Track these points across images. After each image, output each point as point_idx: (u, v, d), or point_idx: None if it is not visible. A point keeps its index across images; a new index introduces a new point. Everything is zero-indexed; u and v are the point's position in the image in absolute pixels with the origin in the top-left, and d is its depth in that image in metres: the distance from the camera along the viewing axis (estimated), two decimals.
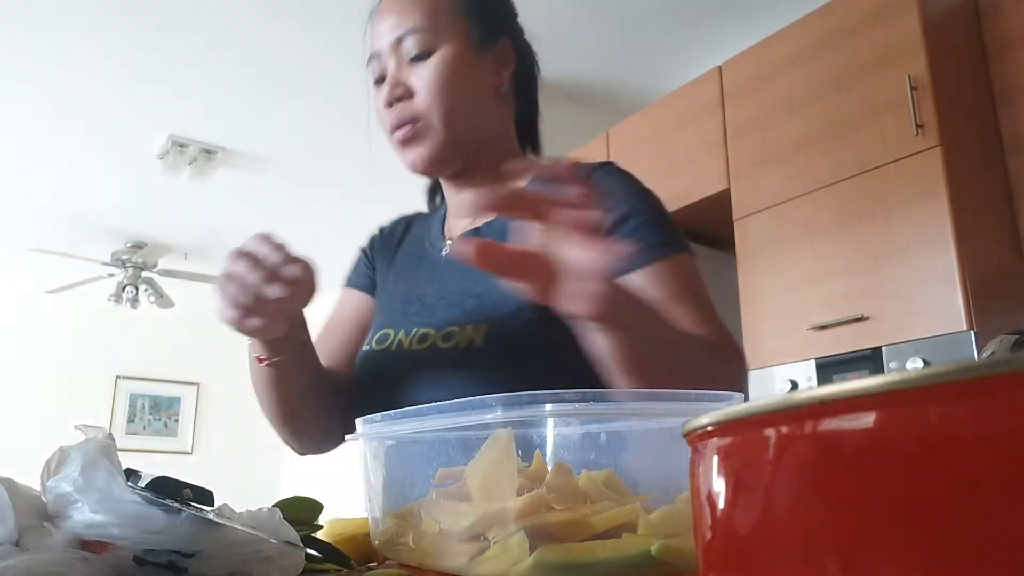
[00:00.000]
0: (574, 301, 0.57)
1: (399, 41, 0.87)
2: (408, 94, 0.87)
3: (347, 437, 0.71)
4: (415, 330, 0.90)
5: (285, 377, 0.86)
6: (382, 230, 1.08)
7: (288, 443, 0.97)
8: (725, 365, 0.79)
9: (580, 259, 0.55)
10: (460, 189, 0.95)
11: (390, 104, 0.87)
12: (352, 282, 1.06)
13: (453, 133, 0.87)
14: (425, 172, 0.91)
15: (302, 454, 0.99)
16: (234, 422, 6.38)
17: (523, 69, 0.97)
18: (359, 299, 1.03)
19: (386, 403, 0.69)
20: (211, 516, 0.46)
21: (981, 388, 0.19)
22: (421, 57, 0.86)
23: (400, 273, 0.99)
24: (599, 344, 0.64)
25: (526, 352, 0.82)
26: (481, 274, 0.66)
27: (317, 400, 0.92)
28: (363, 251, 1.08)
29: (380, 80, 0.90)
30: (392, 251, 1.04)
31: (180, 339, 6.31)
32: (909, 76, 2.04)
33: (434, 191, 1.07)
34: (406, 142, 0.88)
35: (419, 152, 0.88)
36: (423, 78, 0.86)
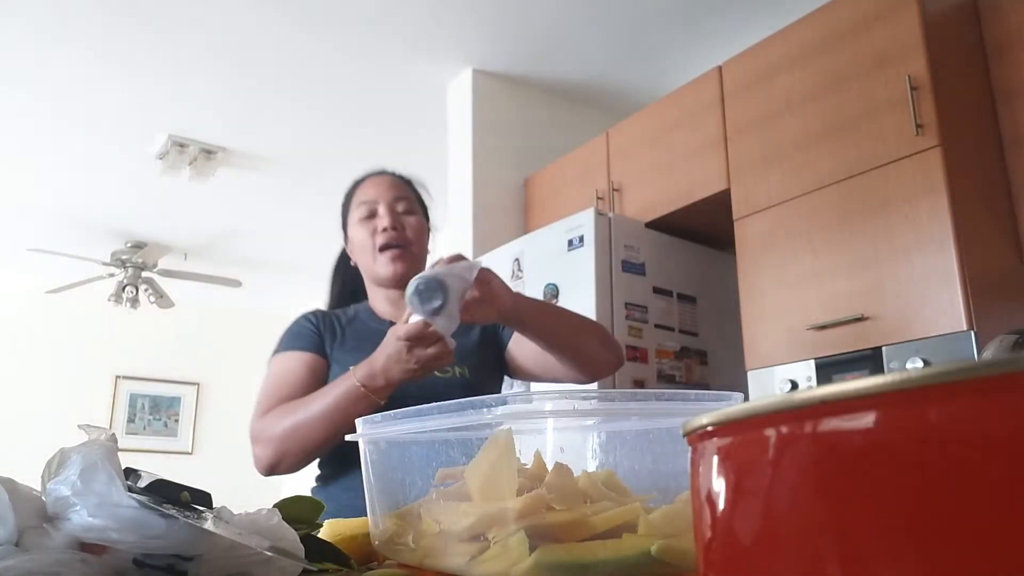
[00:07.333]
0: (494, 302, 1.15)
1: (396, 200, 1.41)
2: (404, 229, 1.39)
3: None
4: None
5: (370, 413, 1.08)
6: (316, 315, 1.43)
7: (305, 462, 1.26)
8: (587, 318, 1.38)
9: (485, 278, 1.14)
10: (398, 289, 1.38)
11: (394, 229, 1.37)
12: (307, 347, 1.36)
13: (420, 259, 1.42)
14: (400, 279, 1.34)
15: (295, 471, 1.27)
16: (234, 422, 6.38)
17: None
18: (315, 360, 1.34)
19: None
20: (206, 525, 0.46)
21: (981, 388, 0.19)
22: (408, 213, 1.41)
23: (360, 346, 1.31)
24: (526, 329, 1.23)
25: (490, 378, 1.41)
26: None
27: None
28: (312, 325, 1.40)
29: (371, 215, 1.39)
30: (339, 332, 1.39)
31: (180, 339, 6.32)
32: (909, 76, 2.04)
33: (346, 300, 1.53)
34: (395, 258, 1.36)
35: (402, 266, 1.36)
36: (412, 226, 1.40)
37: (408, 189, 1.47)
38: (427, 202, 1.51)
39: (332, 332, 1.39)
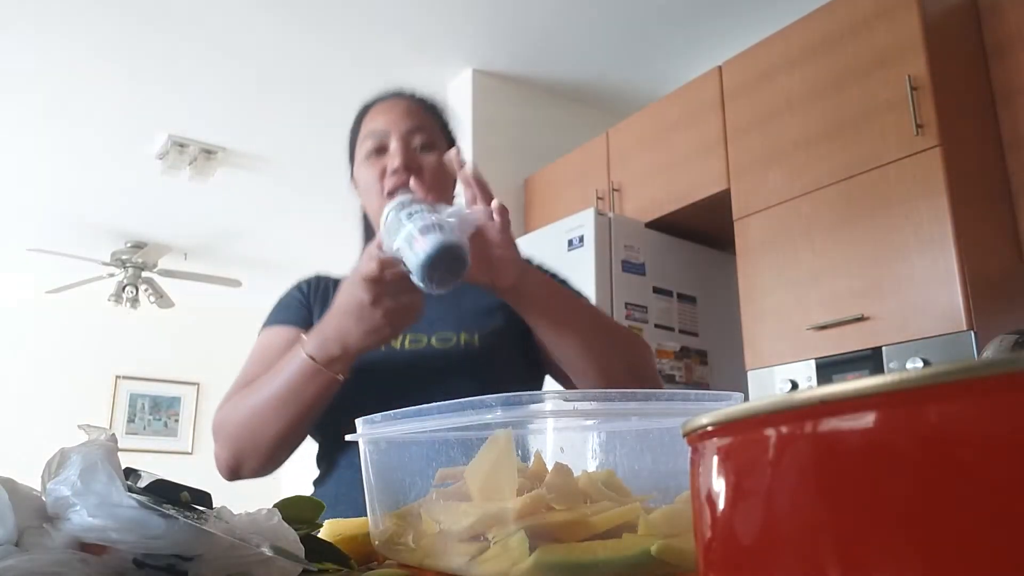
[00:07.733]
0: (500, 270, 0.89)
1: (411, 132, 1.09)
2: (419, 170, 1.07)
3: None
4: (405, 335, 1.08)
5: (330, 393, 0.96)
6: (309, 283, 1.20)
7: (270, 461, 1.02)
8: (629, 331, 1.11)
9: (497, 239, 0.87)
10: None
11: (407, 170, 1.05)
12: (291, 320, 1.13)
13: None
14: None
15: (263, 473, 1.04)
16: None
17: None
18: (298, 336, 1.04)
19: (381, 394, 0.90)
20: (206, 525, 0.46)
21: (981, 388, 0.19)
22: (426, 149, 1.09)
23: None
24: (528, 317, 0.96)
25: (507, 351, 1.09)
26: (447, 303, 1.03)
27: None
28: (301, 294, 1.18)
29: (380, 150, 1.09)
30: (330, 301, 1.11)
31: (180, 339, 6.31)
32: (909, 76, 2.04)
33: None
34: None
35: None
36: (430, 166, 1.08)
37: (430, 116, 1.14)
38: (454, 132, 1.20)
39: (324, 301, 1.13)
